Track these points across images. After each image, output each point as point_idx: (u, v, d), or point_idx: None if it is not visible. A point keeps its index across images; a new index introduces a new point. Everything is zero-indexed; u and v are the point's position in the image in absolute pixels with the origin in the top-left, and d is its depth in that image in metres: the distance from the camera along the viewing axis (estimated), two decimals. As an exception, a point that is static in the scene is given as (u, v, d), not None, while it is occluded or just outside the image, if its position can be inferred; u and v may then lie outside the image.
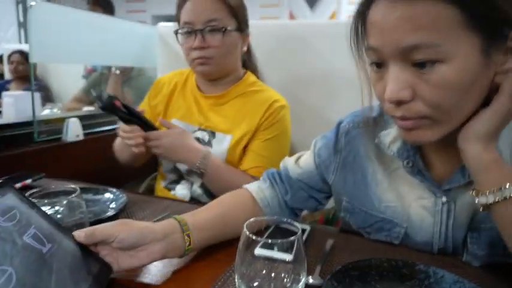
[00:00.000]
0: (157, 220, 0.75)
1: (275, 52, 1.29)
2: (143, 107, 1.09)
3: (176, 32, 1.00)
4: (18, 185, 0.85)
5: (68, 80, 2.68)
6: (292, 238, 0.45)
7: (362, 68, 0.56)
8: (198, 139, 1.02)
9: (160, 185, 1.11)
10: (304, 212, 0.79)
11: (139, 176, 1.24)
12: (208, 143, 1.02)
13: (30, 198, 0.51)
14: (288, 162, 0.75)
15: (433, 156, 0.61)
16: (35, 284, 0.41)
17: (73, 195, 0.56)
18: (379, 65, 0.51)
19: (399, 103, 0.49)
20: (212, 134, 1.03)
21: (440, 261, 0.60)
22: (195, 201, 1.01)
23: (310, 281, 0.53)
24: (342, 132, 0.69)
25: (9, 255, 0.41)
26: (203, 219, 0.61)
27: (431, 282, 0.53)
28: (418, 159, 0.61)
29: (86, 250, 0.52)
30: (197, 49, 0.95)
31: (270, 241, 0.45)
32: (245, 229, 0.47)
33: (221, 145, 1.00)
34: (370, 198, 0.66)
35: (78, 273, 0.48)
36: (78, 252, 0.51)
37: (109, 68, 1.95)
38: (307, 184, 0.72)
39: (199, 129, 1.04)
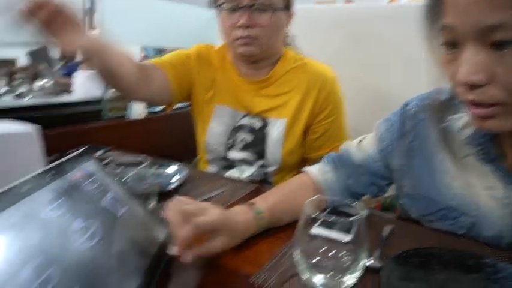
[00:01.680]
0: (213, 196, 0.78)
1: (332, 37, 1.26)
2: (173, 59, 0.99)
3: (217, 7, 0.91)
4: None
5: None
6: (354, 218, 0.45)
7: (432, 49, 0.53)
8: (248, 127, 0.99)
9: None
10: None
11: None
12: (261, 131, 0.98)
13: (105, 167, 0.56)
14: (350, 146, 0.74)
15: (508, 145, 0.57)
16: (112, 243, 0.45)
17: (142, 165, 0.60)
18: (453, 45, 0.48)
19: (473, 87, 0.46)
20: (264, 120, 0.98)
21: (508, 258, 0.57)
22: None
23: (370, 263, 0.53)
24: (408, 115, 0.67)
25: (94, 214, 0.45)
26: (272, 204, 0.62)
27: (499, 278, 0.50)
28: (491, 147, 0.57)
29: (155, 218, 0.55)
30: (241, 28, 0.88)
31: (330, 219, 0.45)
32: (306, 207, 0.47)
33: (276, 131, 0.96)
34: (436, 185, 0.63)
35: (146, 238, 0.52)
36: (147, 219, 0.55)
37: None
38: (369, 169, 0.71)
39: (247, 115, 0.99)
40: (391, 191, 0.76)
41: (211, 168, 1.07)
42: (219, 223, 0.52)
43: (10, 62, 3.30)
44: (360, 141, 0.74)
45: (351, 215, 0.48)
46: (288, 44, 1.06)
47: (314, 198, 0.50)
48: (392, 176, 0.70)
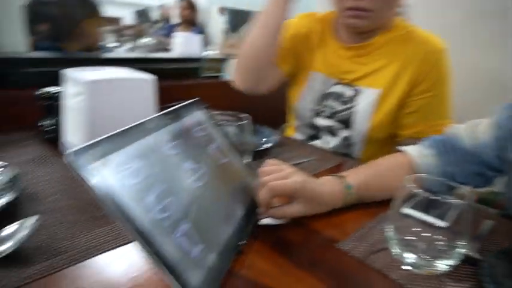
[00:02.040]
0: (301, 163, 0.79)
1: (450, 9, 1.14)
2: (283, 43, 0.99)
3: None
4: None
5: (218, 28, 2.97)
6: (458, 203, 0.43)
7: None
8: (338, 94, 0.96)
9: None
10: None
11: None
12: (350, 100, 0.94)
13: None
14: (460, 130, 0.67)
15: None
16: (216, 187, 0.49)
17: (244, 121, 0.63)
18: None
19: None
20: (356, 89, 0.93)
21: None
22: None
23: (467, 253, 0.50)
24: None
25: (202, 159, 0.49)
26: (364, 180, 0.61)
27: None
28: None
29: (250, 172, 0.58)
30: None
31: (430, 199, 0.44)
32: (404, 184, 0.46)
33: (366, 101, 0.91)
34: None
35: (243, 189, 0.55)
36: (244, 172, 0.58)
37: (244, 19, 2.04)
38: (479, 158, 0.64)
39: (339, 83, 0.95)
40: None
41: (297, 136, 1.08)
42: (294, 189, 0.53)
43: (117, 20, 3.61)
44: (472, 126, 0.67)
45: (448, 201, 0.46)
46: (401, 14, 0.99)
47: (413, 176, 0.48)
48: (505, 168, 0.64)
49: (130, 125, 0.40)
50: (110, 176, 0.34)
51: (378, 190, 0.62)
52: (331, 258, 0.48)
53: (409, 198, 0.46)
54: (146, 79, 0.68)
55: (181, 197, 0.41)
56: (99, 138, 0.35)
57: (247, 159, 0.68)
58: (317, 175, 0.61)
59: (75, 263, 0.42)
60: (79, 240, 0.47)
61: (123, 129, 0.39)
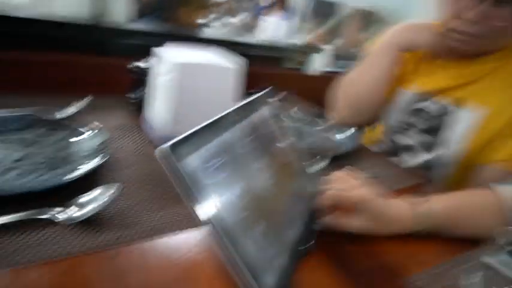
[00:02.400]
0: (376, 176, 0.74)
1: None
2: None
3: None
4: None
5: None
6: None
7: None
8: (427, 112, 0.86)
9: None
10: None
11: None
12: (439, 121, 0.83)
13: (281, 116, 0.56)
14: None
15: None
16: (283, 186, 0.48)
17: (328, 124, 0.60)
18: None
19: None
20: (448, 108, 0.82)
21: None
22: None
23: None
24: None
25: (271, 156, 0.48)
26: (440, 212, 0.55)
27: None
28: None
29: (315, 175, 0.56)
30: (464, 19, 0.71)
31: None
32: (497, 231, 0.40)
33: (461, 124, 0.79)
34: None
35: (306, 189, 0.54)
36: (307, 172, 0.56)
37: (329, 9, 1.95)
38: None
39: (430, 99, 0.85)
40: None
41: (374, 149, 1.01)
42: (356, 203, 0.50)
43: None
44: None
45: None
46: None
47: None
48: None
49: (213, 119, 0.39)
50: (198, 172, 0.33)
51: (455, 227, 0.56)
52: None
53: (497, 249, 0.41)
54: (235, 68, 0.68)
55: (256, 196, 0.41)
56: (189, 132, 0.34)
57: (324, 162, 0.66)
58: (391, 193, 0.57)
59: (142, 240, 0.44)
60: (150, 216, 0.48)
61: (207, 123, 0.38)
